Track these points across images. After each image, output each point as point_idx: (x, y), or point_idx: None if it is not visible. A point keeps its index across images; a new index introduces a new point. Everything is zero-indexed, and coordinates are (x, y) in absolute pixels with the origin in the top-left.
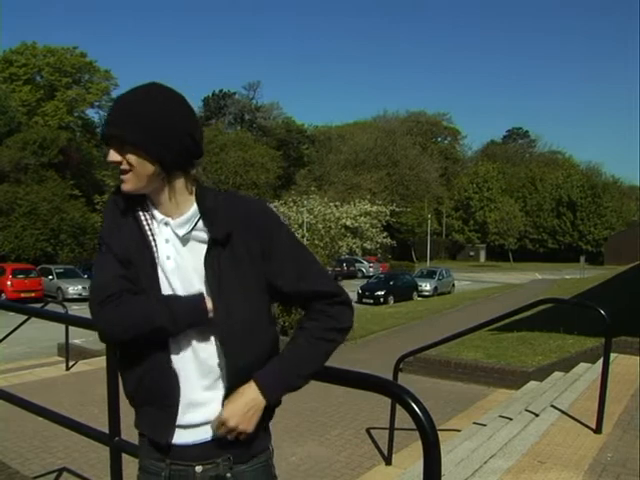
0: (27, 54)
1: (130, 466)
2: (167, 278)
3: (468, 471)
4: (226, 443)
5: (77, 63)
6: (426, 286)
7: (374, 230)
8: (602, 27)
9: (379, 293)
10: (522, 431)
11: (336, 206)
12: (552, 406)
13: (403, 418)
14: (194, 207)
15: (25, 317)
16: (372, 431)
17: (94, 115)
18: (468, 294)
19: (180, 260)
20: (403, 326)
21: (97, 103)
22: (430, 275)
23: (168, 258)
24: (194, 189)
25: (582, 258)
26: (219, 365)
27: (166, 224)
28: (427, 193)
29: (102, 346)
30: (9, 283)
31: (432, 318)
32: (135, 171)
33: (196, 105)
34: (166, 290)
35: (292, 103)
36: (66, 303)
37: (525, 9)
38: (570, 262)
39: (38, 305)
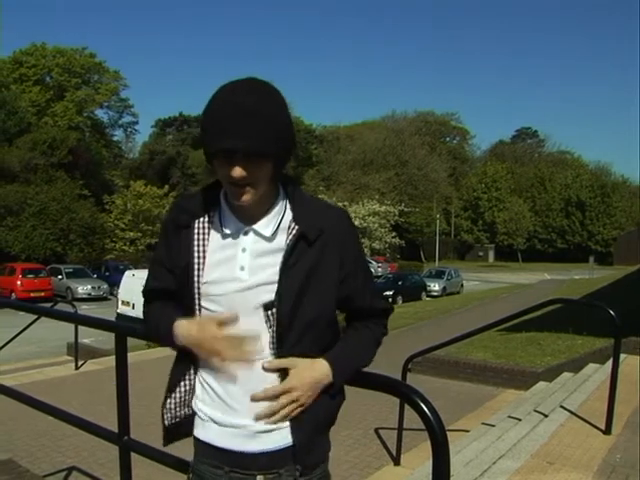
0: (37, 55)
1: (139, 465)
2: (231, 289)
3: (477, 472)
4: (291, 453)
5: (86, 64)
6: (435, 286)
7: (383, 230)
8: (612, 26)
9: (388, 293)
10: (531, 432)
11: (345, 206)
12: (561, 407)
13: (412, 418)
14: (279, 202)
15: (35, 316)
16: (380, 431)
17: (103, 115)
18: (477, 294)
19: (254, 271)
20: (411, 326)
21: (106, 103)
22: (439, 275)
23: (242, 269)
24: (279, 183)
25: (591, 258)
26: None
27: (246, 233)
28: (436, 193)
29: (111, 345)
30: (19, 283)
31: (441, 318)
32: (257, 181)
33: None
34: (232, 300)
35: (300, 103)
36: (75, 303)
37: (534, 8)
38: (579, 262)
39: (48, 305)
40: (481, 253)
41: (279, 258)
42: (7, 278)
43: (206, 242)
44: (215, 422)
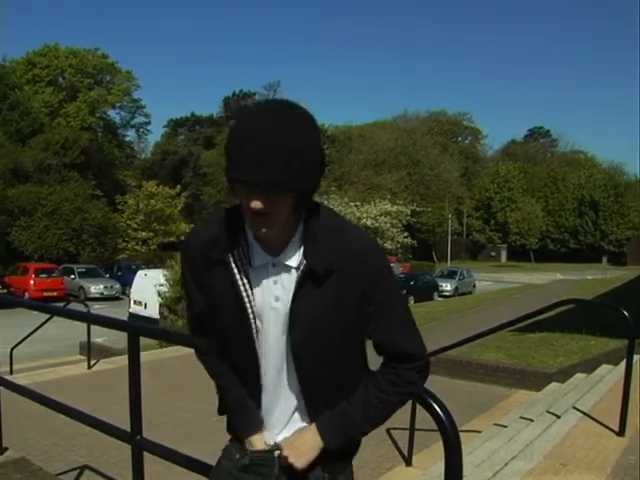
0: (50, 56)
1: (151, 464)
2: (270, 319)
3: (489, 472)
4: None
5: (99, 64)
6: (447, 286)
7: (395, 230)
8: (628, 25)
9: None
10: (543, 433)
11: (356, 206)
12: (574, 408)
13: (423, 418)
14: (300, 230)
15: (48, 316)
16: (392, 431)
17: (115, 116)
18: (489, 294)
19: (287, 302)
20: (423, 326)
21: (118, 104)
22: (451, 275)
23: (277, 300)
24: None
25: (604, 258)
26: (298, 404)
27: (273, 265)
28: (448, 193)
29: (123, 345)
30: (32, 282)
31: (453, 318)
32: (279, 214)
33: (216, 106)
34: (269, 329)
35: (312, 103)
36: (88, 302)
37: (546, 7)
38: (592, 262)
39: (60, 304)
40: (493, 253)
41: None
42: (20, 278)
43: (248, 275)
44: None
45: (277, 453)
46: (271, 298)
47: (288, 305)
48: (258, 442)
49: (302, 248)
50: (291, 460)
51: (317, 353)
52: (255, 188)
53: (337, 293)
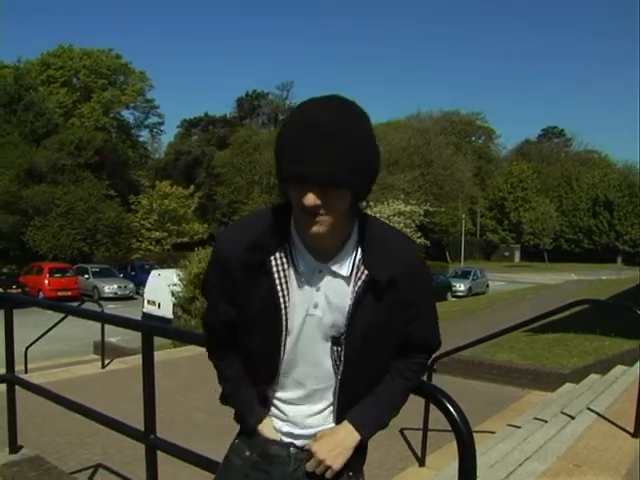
0: (64, 57)
1: (165, 463)
2: (306, 325)
3: (502, 473)
4: None
5: (112, 65)
6: (460, 286)
7: (408, 230)
8: (638, 24)
9: None
10: (557, 434)
11: (369, 206)
12: (588, 409)
13: (437, 419)
14: (354, 238)
15: (62, 315)
16: (405, 432)
17: (129, 116)
18: (502, 295)
19: (327, 309)
20: None
21: (132, 104)
22: (464, 275)
23: (316, 307)
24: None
25: (619, 258)
26: (332, 402)
27: (320, 271)
28: (461, 193)
29: (137, 345)
30: (46, 282)
31: (466, 318)
32: (332, 212)
33: (230, 106)
34: (297, 337)
35: None
36: (102, 302)
37: (559, 7)
38: (606, 263)
39: (75, 304)
40: (507, 253)
41: (348, 297)
42: (35, 277)
43: (288, 280)
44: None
45: (293, 450)
46: (310, 304)
47: (331, 315)
48: (266, 428)
49: (355, 256)
50: (328, 463)
51: (368, 362)
52: (310, 184)
53: (394, 304)
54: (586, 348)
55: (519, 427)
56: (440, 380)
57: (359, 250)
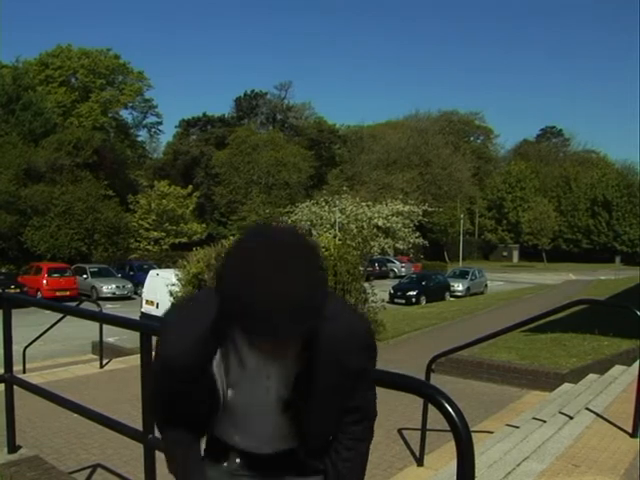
0: (62, 57)
1: (163, 463)
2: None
3: (501, 473)
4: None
5: (111, 65)
6: (458, 286)
7: (406, 230)
8: (637, 25)
9: (411, 293)
10: (556, 434)
11: (368, 206)
12: (587, 409)
13: (435, 419)
14: None
15: (60, 315)
16: (404, 432)
17: (128, 116)
18: (501, 295)
19: (278, 381)
20: (435, 326)
21: (131, 104)
22: (462, 275)
23: (269, 378)
24: None
25: (617, 258)
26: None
27: (265, 363)
28: (459, 193)
29: (135, 345)
30: (45, 282)
31: (464, 319)
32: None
33: (228, 106)
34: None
35: (324, 103)
36: (100, 302)
37: (557, 5)
38: (605, 263)
39: (73, 303)
40: (505, 253)
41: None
42: (33, 277)
43: (224, 381)
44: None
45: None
46: (262, 380)
47: (280, 384)
48: None
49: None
50: None
51: (320, 421)
52: (279, 340)
53: (335, 374)
54: (584, 348)
55: (517, 427)
56: (439, 380)
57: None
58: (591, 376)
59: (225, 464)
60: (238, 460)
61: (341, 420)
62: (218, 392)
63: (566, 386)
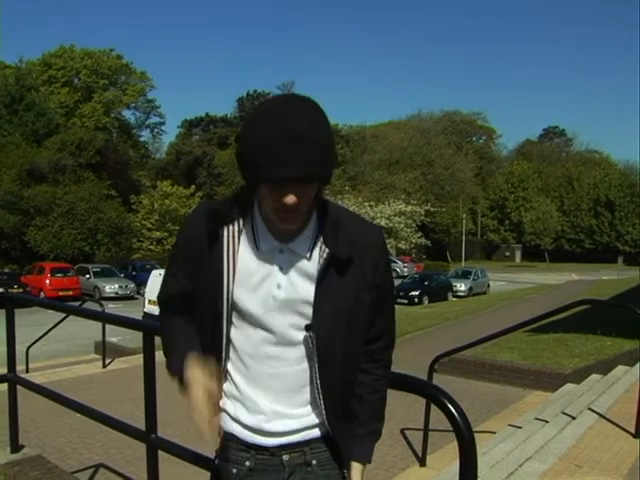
0: (65, 57)
1: (166, 463)
2: (268, 306)
3: (503, 474)
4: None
5: (114, 65)
6: (461, 286)
7: (409, 230)
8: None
9: (414, 293)
10: (558, 434)
11: (370, 206)
12: (589, 409)
13: (438, 419)
14: (313, 219)
15: (63, 315)
16: (406, 432)
17: (130, 116)
18: (503, 295)
19: (291, 291)
20: (437, 326)
21: (133, 104)
22: (465, 275)
23: (279, 287)
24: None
25: (620, 258)
26: (312, 391)
27: (282, 251)
28: (462, 193)
29: (138, 344)
30: (48, 282)
31: (467, 319)
32: (307, 206)
33: (231, 106)
34: (262, 320)
35: (326, 103)
36: (103, 302)
37: (560, 4)
38: (607, 263)
39: (76, 303)
40: (508, 253)
41: (313, 279)
42: (36, 277)
43: (236, 253)
44: (241, 425)
45: (286, 457)
46: (273, 285)
47: (296, 296)
48: (195, 375)
49: (316, 238)
50: None
51: (340, 346)
52: (288, 184)
53: (358, 285)
54: (587, 348)
55: (520, 427)
56: (441, 380)
57: (320, 231)
58: (594, 376)
59: (234, 470)
60: (248, 463)
61: (367, 350)
62: (223, 278)
63: (569, 386)
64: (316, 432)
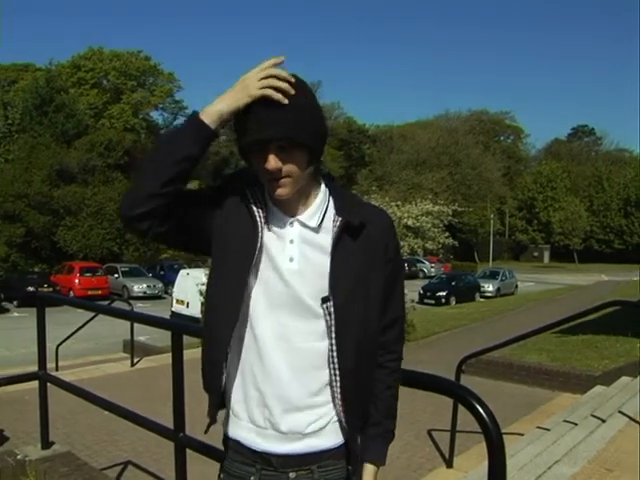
0: (94, 59)
1: (194, 462)
2: (283, 279)
3: (531, 476)
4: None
5: (142, 66)
6: (489, 287)
7: (436, 230)
8: None
9: (441, 294)
10: (588, 437)
11: (397, 206)
12: (620, 412)
13: (465, 420)
14: (321, 195)
15: (92, 314)
16: (433, 433)
17: (158, 117)
18: (532, 295)
19: (303, 263)
20: (465, 327)
21: (161, 105)
22: (493, 276)
23: (291, 260)
24: (320, 177)
25: None
26: (329, 370)
27: (292, 224)
28: (490, 193)
29: (166, 343)
30: (77, 281)
31: (494, 319)
32: (293, 173)
33: None
34: (276, 289)
35: (353, 103)
36: (131, 301)
37: (588, 3)
38: (637, 263)
39: (104, 303)
40: (536, 254)
41: (327, 250)
42: (65, 276)
43: (263, 210)
44: (251, 422)
45: (292, 475)
46: (285, 258)
47: (310, 269)
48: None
49: (325, 209)
50: None
51: (356, 317)
52: (270, 148)
53: (370, 254)
54: (617, 350)
55: (548, 430)
56: (469, 381)
57: (330, 204)
58: (624, 379)
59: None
60: (253, 478)
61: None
62: (257, 225)
63: (598, 388)
64: (325, 443)
